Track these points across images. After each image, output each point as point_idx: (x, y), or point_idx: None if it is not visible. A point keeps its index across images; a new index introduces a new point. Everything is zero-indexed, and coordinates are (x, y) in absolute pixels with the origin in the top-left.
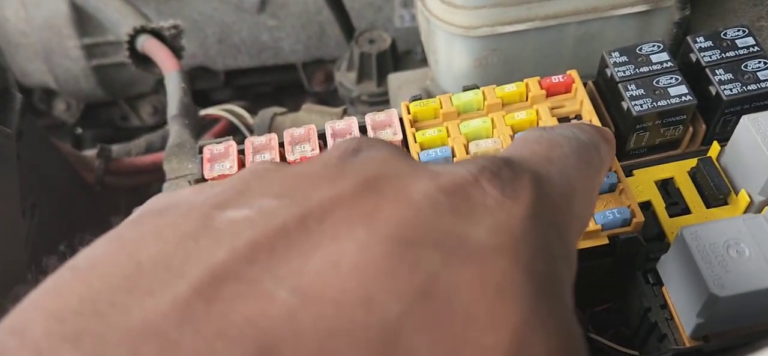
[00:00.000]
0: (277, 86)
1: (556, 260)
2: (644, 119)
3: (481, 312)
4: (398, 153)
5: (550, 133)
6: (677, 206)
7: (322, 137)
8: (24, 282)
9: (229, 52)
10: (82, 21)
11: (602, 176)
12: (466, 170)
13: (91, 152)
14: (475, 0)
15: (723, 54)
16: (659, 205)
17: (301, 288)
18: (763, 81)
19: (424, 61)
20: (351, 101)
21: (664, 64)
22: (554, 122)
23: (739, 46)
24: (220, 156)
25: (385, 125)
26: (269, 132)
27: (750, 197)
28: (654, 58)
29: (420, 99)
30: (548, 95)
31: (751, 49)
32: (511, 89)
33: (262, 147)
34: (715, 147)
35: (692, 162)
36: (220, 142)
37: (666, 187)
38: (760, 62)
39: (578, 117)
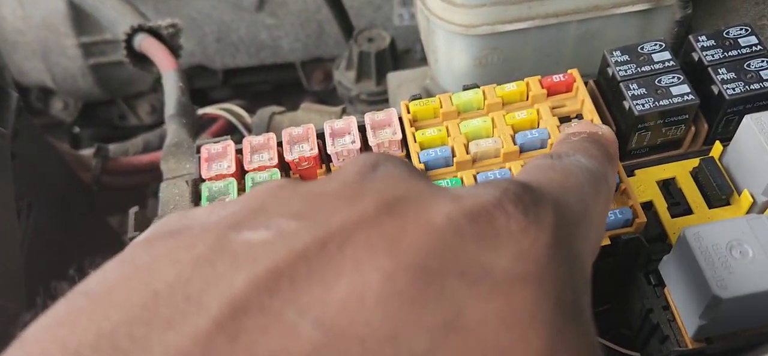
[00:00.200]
0: (275, 85)
1: (579, 288)
2: (646, 119)
3: (511, 343)
4: (416, 172)
5: (561, 162)
6: (679, 206)
7: (321, 136)
8: (19, 283)
9: (228, 51)
10: (80, 19)
11: (610, 204)
12: (489, 193)
13: (88, 152)
14: None
15: (725, 53)
16: (661, 205)
17: (325, 322)
18: (766, 80)
19: (423, 60)
20: (350, 100)
21: (666, 64)
22: (555, 121)
23: (742, 45)
24: (217, 156)
25: (384, 124)
26: (268, 131)
27: (753, 197)
28: (656, 57)
29: (419, 98)
30: (549, 95)
31: (754, 48)
32: (511, 88)
33: (260, 147)
34: (718, 147)
35: (694, 162)
36: (218, 141)
37: (668, 187)
38: (762, 61)
39: (579, 117)
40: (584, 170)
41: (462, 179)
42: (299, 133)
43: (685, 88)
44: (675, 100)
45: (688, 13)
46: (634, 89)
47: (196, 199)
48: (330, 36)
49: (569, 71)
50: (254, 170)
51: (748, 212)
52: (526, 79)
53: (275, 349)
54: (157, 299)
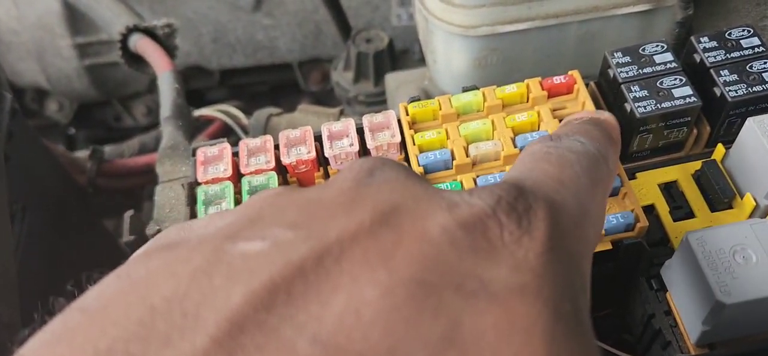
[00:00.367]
0: (272, 86)
1: (577, 294)
2: (648, 121)
3: (510, 355)
4: (412, 175)
5: (558, 148)
6: (681, 210)
7: (318, 139)
8: (13, 288)
9: (224, 52)
10: (75, 20)
11: (610, 189)
12: (483, 201)
13: (83, 154)
14: None
15: (728, 54)
16: (663, 209)
17: (323, 338)
18: None
19: (421, 60)
20: (348, 101)
21: (668, 65)
22: (556, 123)
23: (744, 46)
24: (214, 159)
25: (383, 126)
26: (265, 133)
27: (755, 200)
28: (657, 58)
29: (418, 100)
30: (550, 96)
31: (756, 49)
32: (511, 89)
33: (257, 150)
34: (720, 150)
35: (696, 165)
36: (214, 144)
37: (669, 190)
38: (765, 63)
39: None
40: (582, 154)
41: (462, 183)
42: (297, 136)
43: (687, 90)
44: (677, 102)
45: (690, 14)
46: (635, 91)
47: (192, 202)
48: (327, 36)
49: (570, 73)
50: (251, 173)
51: (750, 216)
52: (526, 81)
53: None
54: (154, 314)
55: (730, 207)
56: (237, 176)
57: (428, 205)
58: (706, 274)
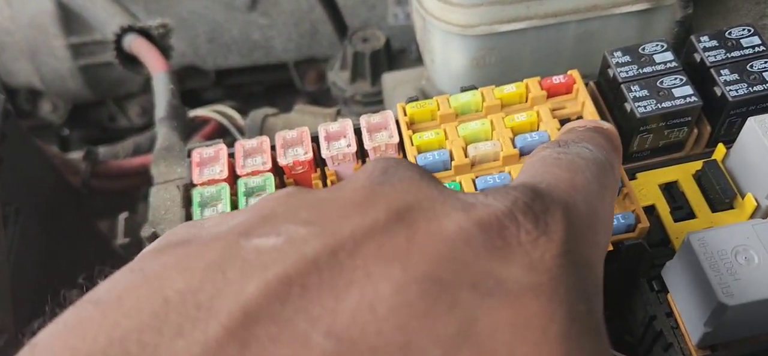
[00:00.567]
0: (268, 86)
1: (591, 296)
2: (648, 121)
3: (524, 354)
4: (427, 176)
5: (568, 154)
6: (682, 210)
7: (315, 139)
8: (5, 291)
9: (220, 51)
10: (69, 19)
11: (616, 196)
12: (499, 202)
13: (77, 155)
14: None
15: (728, 54)
16: (663, 209)
17: (336, 332)
18: None
19: (418, 60)
20: (344, 101)
21: (668, 64)
22: (556, 124)
23: (745, 45)
24: (209, 160)
25: (380, 127)
26: (261, 134)
27: (756, 201)
28: (657, 58)
29: (416, 100)
30: (549, 96)
31: (757, 48)
32: (510, 89)
33: (253, 150)
34: (721, 149)
35: (697, 165)
36: (210, 145)
37: (670, 190)
38: (765, 63)
39: (580, 119)
40: (591, 161)
41: (461, 184)
42: (293, 136)
43: (688, 89)
44: (677, 102)
45: (689, 13)
46: (635, 91)
47: (188, 204)
48: (324, 36)
49: (569, 72)
50: (247, 174)
51: (751, 216)
52: (525, 81)
53: None
54: (168, 306)
55: (731, 207)
56: (233, 178)
57: (443, 205)
58: (707, 275)
